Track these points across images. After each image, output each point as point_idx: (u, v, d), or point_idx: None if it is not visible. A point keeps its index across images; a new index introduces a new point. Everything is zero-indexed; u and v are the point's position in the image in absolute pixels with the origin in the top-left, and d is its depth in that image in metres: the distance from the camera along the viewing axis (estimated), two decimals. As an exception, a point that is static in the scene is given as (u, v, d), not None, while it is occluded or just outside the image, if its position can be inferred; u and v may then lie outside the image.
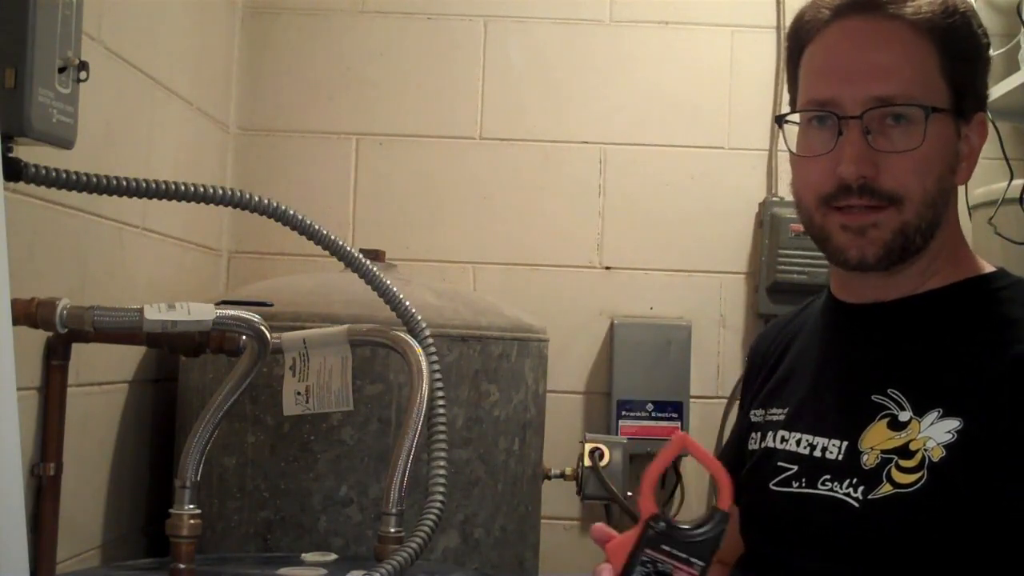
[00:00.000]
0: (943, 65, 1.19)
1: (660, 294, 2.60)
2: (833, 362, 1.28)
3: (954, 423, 1.11)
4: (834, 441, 1.20)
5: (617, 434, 2.47)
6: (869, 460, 1.15)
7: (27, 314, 1.29)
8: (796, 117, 1.26)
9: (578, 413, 2.58)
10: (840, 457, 1.19)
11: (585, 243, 2.61)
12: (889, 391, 1.17)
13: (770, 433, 1.30)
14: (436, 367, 1.39)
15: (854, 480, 1.16)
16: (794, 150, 1.25)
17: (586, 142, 2.62)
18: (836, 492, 1.17)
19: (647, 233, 2.60)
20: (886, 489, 1.13)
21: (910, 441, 1.13)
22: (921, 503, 1.11)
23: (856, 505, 1.15)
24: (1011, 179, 2.12)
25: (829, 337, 1.31)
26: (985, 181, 2.32)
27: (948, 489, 1.10)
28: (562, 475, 2.19)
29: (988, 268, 1.26)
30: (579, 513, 2.56)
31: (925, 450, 1.11)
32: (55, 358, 1.67)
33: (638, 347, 2.53)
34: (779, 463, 1.26)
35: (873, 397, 1.18)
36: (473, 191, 2.61)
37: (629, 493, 2.15)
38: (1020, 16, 2.29)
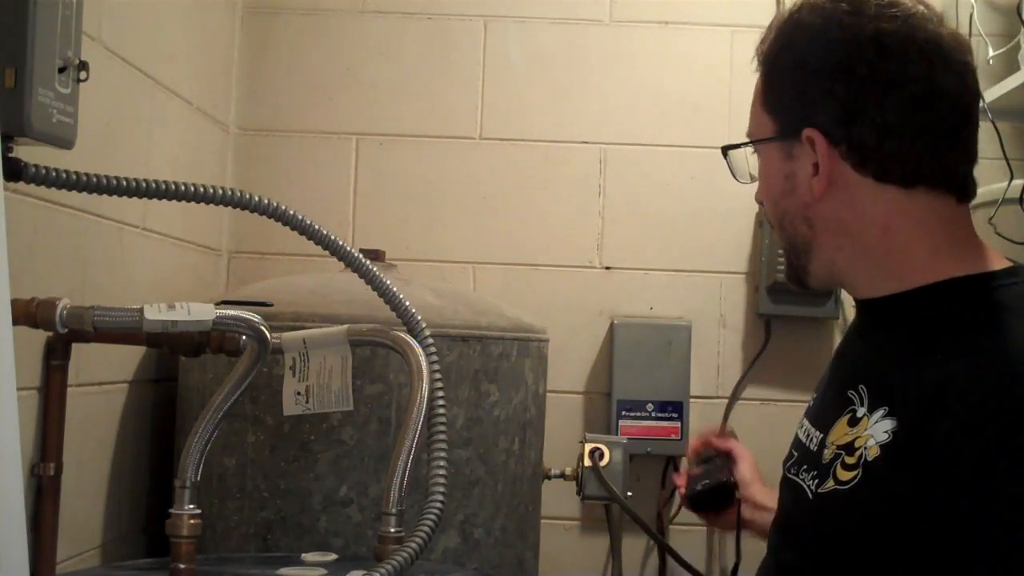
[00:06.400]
0: (764, 93, 1.29)
1: (660, 294, 2.60)
2: (841, 355, 1.34)
3: (891, 423, 1.11)
4: (817, 432, 1.24)
5: (617, 434, 2.47)
6: (827, 454, 1.18)
7: (27, 314, 1.29)
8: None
9: (578, 413, 2.58)
10: (815, 448, 1.22)
11: (585, 243, 2.61)
12: (859, 387, 1.18)
13: (802, 418, 1.35)
14: (436, 367, 1.39)
15: (815, 472, 1.19)
16: None
17: (586, 142, 2.62)
18: (804, 482, 1.21)
19: (647, 233, 2.60)
20: (829, 484, 1.15)
21: (856, 438, 1.14)
22: (853, 500, 1.12)
23: (810, 497, 1.19)
24: (1011, 179, 2.12)
25: (848, 331, 1.37)
26: (985, 181, 2.30)
27: (877, 489, 1.10)
28: (562, 475, 2.19)
29: (996, 265, 1.20)
30: (579, 513, 2.56)
31: (865, 448, 1.12)
32: (55, 358, 1.67)
33: (638, 347, 2.53)
34: (792, 449, 1.31)
35: (848, 392, 1.20)
36: (473, 191, 2.61)
37: (629, 493, 2.15)
38: (1020, 16, 2.29)
